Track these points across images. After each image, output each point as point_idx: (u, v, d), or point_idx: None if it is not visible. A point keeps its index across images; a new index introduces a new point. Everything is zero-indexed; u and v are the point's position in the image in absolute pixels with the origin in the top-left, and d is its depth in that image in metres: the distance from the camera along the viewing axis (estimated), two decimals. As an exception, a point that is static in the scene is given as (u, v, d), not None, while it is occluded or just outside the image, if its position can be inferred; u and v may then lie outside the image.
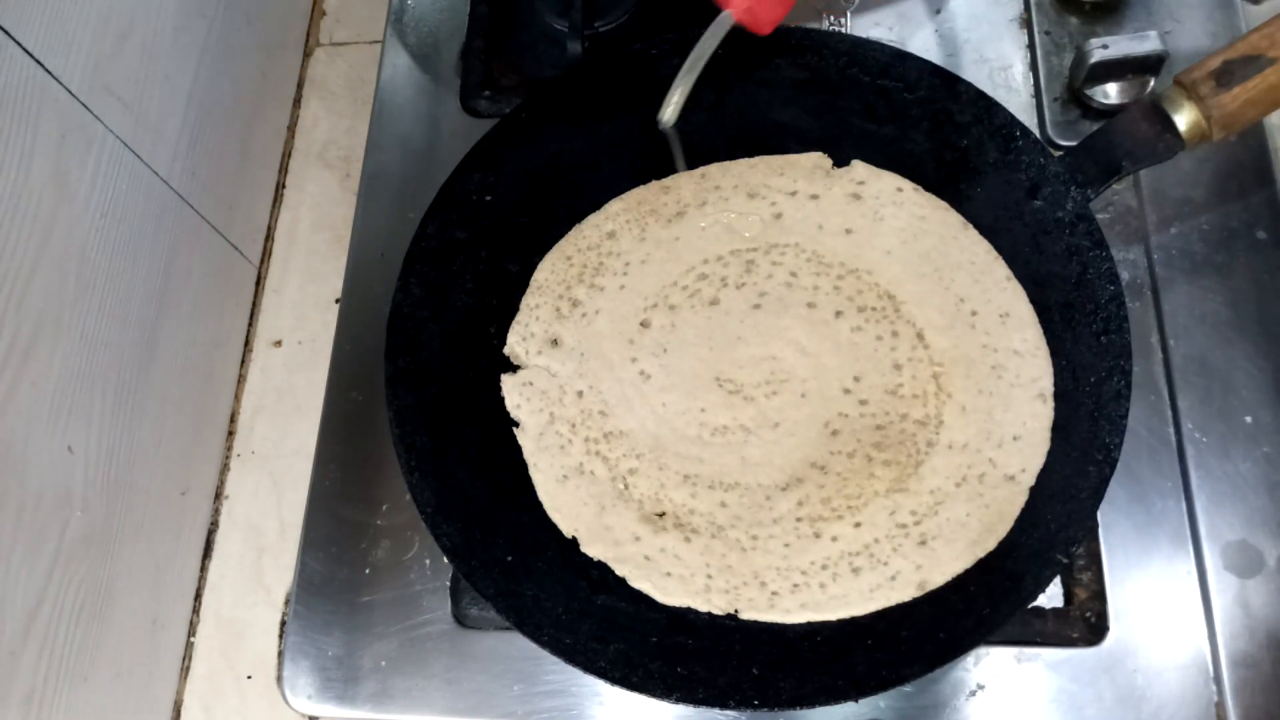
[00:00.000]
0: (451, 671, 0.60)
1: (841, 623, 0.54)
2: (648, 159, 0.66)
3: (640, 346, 0.62)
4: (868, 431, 0.58)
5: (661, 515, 0.58)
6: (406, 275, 0.61)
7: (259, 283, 0.80)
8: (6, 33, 0.52)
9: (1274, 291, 0.63)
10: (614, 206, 0.66)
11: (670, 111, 0.61)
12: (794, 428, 0.59)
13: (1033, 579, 0.52)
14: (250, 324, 0.79)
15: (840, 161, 0.65)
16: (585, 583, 0.56)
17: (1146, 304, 0.64)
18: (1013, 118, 0.61)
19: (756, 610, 0.54)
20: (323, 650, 0.61)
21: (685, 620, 0.55)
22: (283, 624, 0.70)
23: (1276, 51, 0.54)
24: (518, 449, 0.60)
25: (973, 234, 0.62)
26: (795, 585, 0.55)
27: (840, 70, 0.64)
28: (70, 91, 0.57)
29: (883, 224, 0.63)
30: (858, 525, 0.56)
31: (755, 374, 0.60)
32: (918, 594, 0.54)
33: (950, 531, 0.55)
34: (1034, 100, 0.70)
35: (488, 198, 0.64)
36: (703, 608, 0.55)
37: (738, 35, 0.61)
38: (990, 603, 0.52)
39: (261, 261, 0.81)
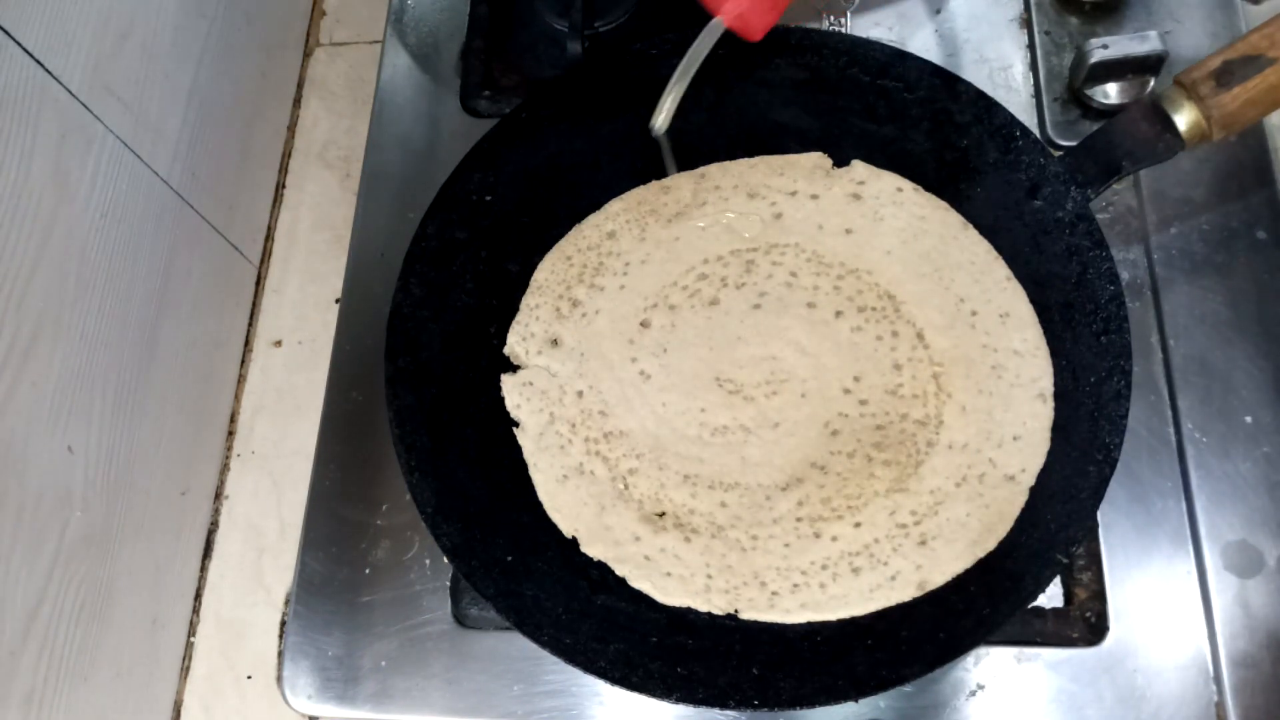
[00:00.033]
0: (451, 671, 0.60)
1: (841, 623, 0.54)
2: (648, 159, 0.65)
3: (640, 346, 0.62)
4: (868, 431, 0.58)
5: (661, 515, 0.58)
6: (406, 275, 0.61)
7: (259, 283, 0.80)
8: (6, 33, 0.52)
9: (1274, 291, 0.63)
10: (614, 206, 0.66)
11: (662, 119, 0.61)
12: (794, 428, 0.59)
13: (1033, 579, 0.52)
14: (250, 324, 0.79)
15: (840, 161, 0.65)
16: (585, 583, 0.56)
17: (1146, 304, 0.64)
18: (1013, 118, 0.61)
19: (756, 610, 0.54)
20: (323, 650, 0.61)
21: (685, 620, 0.55)
22: (283, 624, 0.70)
23: (1276, 51, 0.54)
24: (518, 449, 0.60)
25: (973, 234, 0.62)
26: (795, 585, 0.55)
27: (840, 70, 0.64)
28: (70, 91, 0.57)
29: (883, 224, 0.63)
30: (858, 525, 0.56)
31: (755, 374, 0.60)
32: (918, 594, 0.54)
33: (950, 531, 0.55)
34: (1034, 100, 0.70)
35: (488, 198, 0.64)
36: (703, 608, 0.55)
37: (736, 36, 0.61)
38: (990, 603, 0.52)
39: (261, 261, 0.81)
